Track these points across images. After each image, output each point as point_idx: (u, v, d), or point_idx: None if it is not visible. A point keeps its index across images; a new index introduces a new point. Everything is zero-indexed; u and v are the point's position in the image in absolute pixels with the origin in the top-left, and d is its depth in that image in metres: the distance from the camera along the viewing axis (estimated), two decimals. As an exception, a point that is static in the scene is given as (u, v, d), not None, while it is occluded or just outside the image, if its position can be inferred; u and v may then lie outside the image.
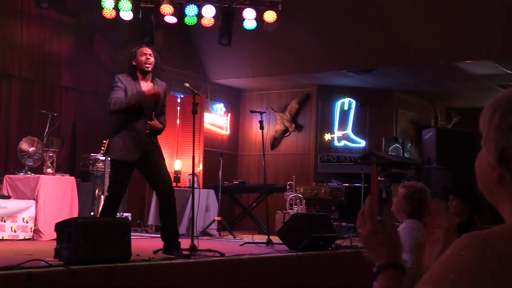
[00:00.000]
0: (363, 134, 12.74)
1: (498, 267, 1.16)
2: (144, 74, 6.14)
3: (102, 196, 8.67)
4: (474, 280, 1.17)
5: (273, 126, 13.02)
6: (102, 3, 10.37)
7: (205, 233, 9.46)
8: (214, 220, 9.75)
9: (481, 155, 1.36)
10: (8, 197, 7.94)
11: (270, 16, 10.68)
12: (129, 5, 10.42)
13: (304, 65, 11.86)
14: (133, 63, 6.18)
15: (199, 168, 10.95)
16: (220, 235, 9.67)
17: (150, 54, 6.18)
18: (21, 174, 8.34)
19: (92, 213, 8.72)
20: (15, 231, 7.65)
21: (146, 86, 6.12)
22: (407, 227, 4.31)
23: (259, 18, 10.72)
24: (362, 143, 12.78)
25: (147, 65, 6.09)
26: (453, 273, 1.20)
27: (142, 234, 9.46)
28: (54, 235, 5.31)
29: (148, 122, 6.07)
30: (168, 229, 6.01)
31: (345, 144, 12.75)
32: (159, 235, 9.38)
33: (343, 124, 12.80)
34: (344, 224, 10.02)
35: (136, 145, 5.95)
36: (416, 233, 4.30)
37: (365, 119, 12.52)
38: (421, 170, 10.47)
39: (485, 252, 1.19)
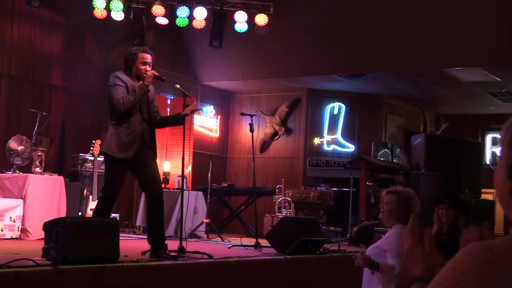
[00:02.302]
0: (353, 138, 12.77)
1: (499, 275, 1.20)
2: (139, 79, 6.06)
3: (90, 196, 8.65)
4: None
5: (262, 129, 13.02)
6: (93, 3, 10.33)
7: (193, 235, 9.44)
8: (202, 222, 9.73)
9: (497, 171, 1.42)
10: (-4, 195, 7.91)
11: (261, 19, 10.68)
12: (120, 6, 10.40)
13: (295, 68, 11.88)
14: (131, 64, 6.04)
15: (188, 170, 10.94)
16: (208, 237, 9.66)
17: (150, 64, 6.03)
18: (9, 173, 8.30)
19: (80, 213, 8.68)
20: (2, 230, 7.60)
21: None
22: (396, 232, 4.31)
23: (250, 21, 10.73)
24: (351, 147, 12.81)
25: (144, 75, 5.97)
26: (456, 281, 1.23)
27: (130, 235, 9.44)
28: (41, 234, 5.29)
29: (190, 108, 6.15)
30: (155, 230, 5.96)
31: (334, 149, 12.77)
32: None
33: (332, 129, 12.82)
34: (332, 228, 10.02)
35: (132, 143, 5.88)
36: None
37: (355, 123, 12.55)
38: (409, 175, 10.50)
39: (487, 260, 1.23)
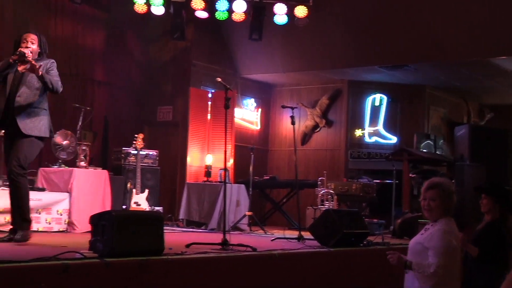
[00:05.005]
0: (395, 130, 12.64)
1: None
2: None
3: (134, 190, 8.75)
4: None
5: (303, 121, 12.99)
6: (134, -2, 10.44)
7: (236, 228, 9.47)
8: (245, 215, 9.76)
9: None
10: (43, 189, 8.05)
11: (301, 11, 10.64)
12: (160, 0, 10.47)
13: (335, 60, 11.79)
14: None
15: (231, 163, 10.98)
16: (251, 230, 9.68)
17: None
18: (55, 167, 8.44)
19: (124, 206, 8.78)
20: (49, 223, 7.75)
21: None
22: (441, 229, 4.22)
23: (290, 13, 10.69)
24: (393, 139, 12.69)
25: None
26: None
27: (174, 228, 9.51)
28: (87, 227, 5.36)
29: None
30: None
31: (376, 140, 12.67)
32: (191, 229, 9.52)
33: (374, 120, 12.72)
34: (375, 220, 9.96)
35: None
36: (449, 237, 4.22)
37: (397, 115, 12.41)
38: (453, 167, 10.36)
39: None
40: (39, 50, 6.01)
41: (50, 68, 5.96)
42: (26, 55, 5.69)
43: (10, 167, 5.73)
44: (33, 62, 5.68)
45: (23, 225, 5.77)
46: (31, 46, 5.90)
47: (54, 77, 5.93)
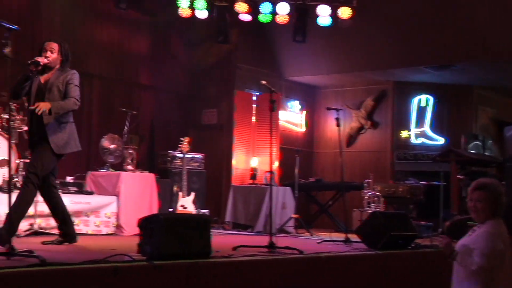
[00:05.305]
0: (442, 131, 12.46)
1: None
2: None
3: (180, 193, 8.80)
4: None
5: (348, 123, 12.91)
6: (178, 2, 10.52)
7: (282, 230, 9.45)
8: (291, 218, 9.74)
9: None
10: (92, 193, 8.17)
11: (345, 12, 10.58)
12: (204, 4, 10.54)
13: (380, 61, 11.69)
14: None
15: (276, 165, 10.97)
16: (297, 232, 9.64)
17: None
18: (103, 170, 8.56)
19: (171, 209, 8.85)
20: (98, 226, 7.86)
21: None
22: (486, 232, 4.14)
23: (333, 15, 10.64)
24: (440, 140, 12.51)
25: None
26: None
27: (220, 231, 9.54)
28: (135, 230, 5.41)
29: None
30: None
31: (423, 142, 12.52)
32: (237, 232, 9.54)
33: (420, 121, 12.57)
34: (423, 223, 9.83)
35: None
36: (496, 239, 4.13)
37: (444, 116, 12.25)
38: (503, 168, 10.14)
39: None
40: (60, 58, 5.95)
41: (70, 81, 5.90)
42: (41, 63, 5.69)
43: (25, 171, 5.80)
44: (42, 108, 5.61)
45: (1, 230, 5.30)
46: (50, 55, 5.86)
47: (71, 93, 5.87)
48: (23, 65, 5.80)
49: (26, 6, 9.63)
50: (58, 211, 6.07)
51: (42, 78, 5.82)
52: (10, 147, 5.06)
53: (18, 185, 7.51)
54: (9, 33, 5.25)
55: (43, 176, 5.78)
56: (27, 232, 6.88)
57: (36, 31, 9.60)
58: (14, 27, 5.26)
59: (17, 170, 7.59)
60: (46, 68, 5.83)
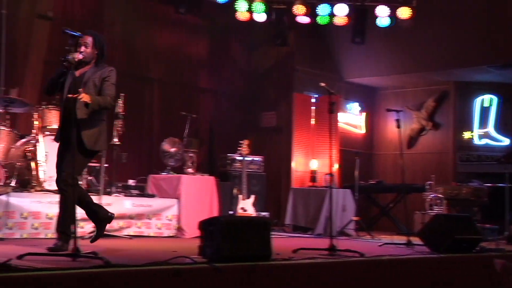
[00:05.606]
0: (506, 131, 12.16)
1: None
2: None
3: (240, 196, 8.83)
4: None
5: (409, 124, 12.74)
6: (236, 6, 10.57)
7: (342, 233, 9.40)
8: (351, 220, 9.67)
9: None
10: (153, 195, 8.29)
11: (404, 12, 10.44)
12: (262, 7, 10.57)
13: (441, 61, 11.50)
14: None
15: (336, 167, 10.90)
16: (357, 235, 9.56)
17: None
18: (164, 173, 8.68)
19: (231, 212, 8.89)
20: (160, 228, 7.97)
21: None
22: None
23: (393, 15, 10.51)
24: (505, 141, 12.22)
25: None
26: None
27: (280, 234, 9.54)
28: (196, 232, 5.45)
29: None
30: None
31: (486, 143, 12.25)
32: (297, 234, 9.52)
33: (484, 122, 12.30)
34: (488, 226, 9.60)
35: None
36: None
37: (508, 116, 11.93)
38: None
39: None
40: (96, 52, 5.62)
41: (107, 78, 5.57)
42: (76, 59, 5.37)
43: (62, 176, 5.43)
44: (84, 98, 5.28)
45: (62, 237, 5.35)
46: (84, 50, 5.55)
47: (107, 90, 5.55)
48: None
49: (89, 13, 9.85)
50: (81, 205, 5.71)
51: (77, 72, 5.55)
52: (74, 150, 5.12)
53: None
54: (72, 40, 5.39)
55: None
56: (92, 234, 7.01)
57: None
58: (78, 34, 5.39)
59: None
60: (82, 62, 5.56)
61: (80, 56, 5.46)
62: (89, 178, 8.06)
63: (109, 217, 5.84)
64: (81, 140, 5.42)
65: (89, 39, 5.59)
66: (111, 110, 6.21)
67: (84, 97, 5.24)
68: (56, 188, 5.63)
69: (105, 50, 5.67)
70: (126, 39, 10.26)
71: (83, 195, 5.74)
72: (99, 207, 5.90)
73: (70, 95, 5.31)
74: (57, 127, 5.77)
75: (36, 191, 7.08)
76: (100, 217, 5.77)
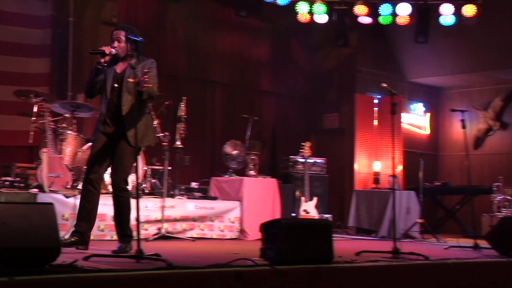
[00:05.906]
0: None
1: None
2: None
3: (303, 198, 8.81)
4: None
5: (475, 125, 12.48)
6: (297, 8, 10.56)
7: (407, 235, 9.27)
8: (416, 223, 9.52)
9: None
10: (215, 198, 8.36)
11: (469, 10, 10.21)
12: (323, 8, 10.52)
13: (508, 59, 11.21)
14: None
15: (399, 169, 10.75)
16: (422, 238, 9.40)
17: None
18: (226, 176, 8.74)
19: (294, 214, 8.88)
20: (222, 231, 8.03)
21: None
22: None
23: (457, 13, 10.30)
24: None
25: None
26: None
27: (343, 236, 9.48)
28: (258, 235, 5.45)
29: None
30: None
31: (560, 143, 11.88)
32: (361, 237, 9.43)
33: (556, 121, 11.93)
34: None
35: None
36: None
37: None
38: None
39: None
40: (130, 46, 5.41)
41: (149, 69, 5.29)
42: (108, 52, 5.31)
43: (115, 180, 5.41)
44: (144, 81, 5.13)
45: (125, 239, 5.43)
46: (117, 45, 5.41)
47: (151, 80, 5.29)
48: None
49: (152, 18, 10.02)
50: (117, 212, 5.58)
51: (118, 68, 5.46)
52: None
53: (147, 191, 7.87)
54: (135, 45, 5.47)
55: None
56: (155, 236, 7.12)
57: (161, 42, 9.98)
58: (140, 39, 5.46)
59: (144, 176, 7.89)
60: (119, 58, 5.45)
61: (113, 50, 5.36)
62: (153, 181, 8.20)
63: (130, 239, 5.48)
64: (127, 138, 5.32)
65: (121, 34, 5.45)
66: (171, 112, 6.22)
67: (147, 79, 5.11)
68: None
69: (139, 43, 5.47)
70: (188, 42, 10.40)
71: (120, 203, 5.53)
72: (124, 224, 5.57)
73: (131, 80, 5.21)
74: (96, 126, 5.61)
75: (102, 193, 7.22)
76: (119, 232, 5.56)
